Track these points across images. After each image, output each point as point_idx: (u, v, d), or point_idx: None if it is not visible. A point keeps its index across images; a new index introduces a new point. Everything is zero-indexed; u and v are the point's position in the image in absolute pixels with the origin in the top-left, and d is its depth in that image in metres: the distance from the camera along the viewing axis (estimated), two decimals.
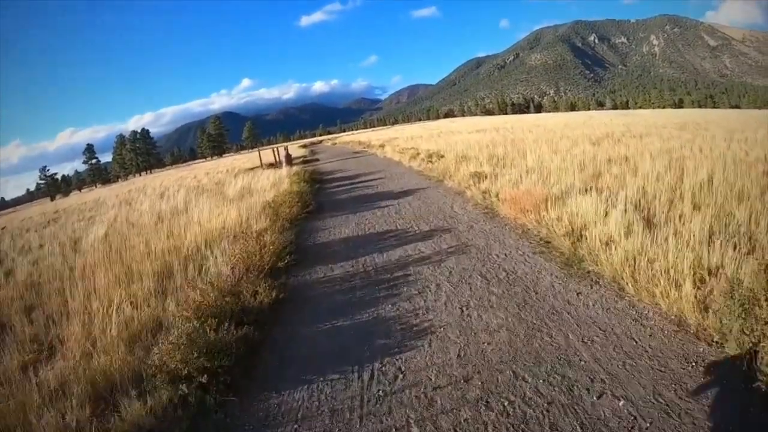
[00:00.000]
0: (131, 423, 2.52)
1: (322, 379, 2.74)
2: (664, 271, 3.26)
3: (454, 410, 2.25)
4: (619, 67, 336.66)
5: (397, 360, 2.77)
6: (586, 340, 2.71)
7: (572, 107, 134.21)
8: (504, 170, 8.17)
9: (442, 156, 12.17)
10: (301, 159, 24.75)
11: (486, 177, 7.72)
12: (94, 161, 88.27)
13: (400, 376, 2.61)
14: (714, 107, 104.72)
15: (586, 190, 5.47)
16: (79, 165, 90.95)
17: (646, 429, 1.98)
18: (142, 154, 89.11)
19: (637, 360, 2.49)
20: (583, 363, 2.50)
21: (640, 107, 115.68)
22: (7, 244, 10.81)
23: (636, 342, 2.67)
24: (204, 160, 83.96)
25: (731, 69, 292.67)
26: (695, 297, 2.96)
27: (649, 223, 4.16)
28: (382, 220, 6.50)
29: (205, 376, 2.81)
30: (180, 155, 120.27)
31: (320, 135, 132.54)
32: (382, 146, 21.23)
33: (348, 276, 4.37)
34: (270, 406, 2.60)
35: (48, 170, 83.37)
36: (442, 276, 3.96)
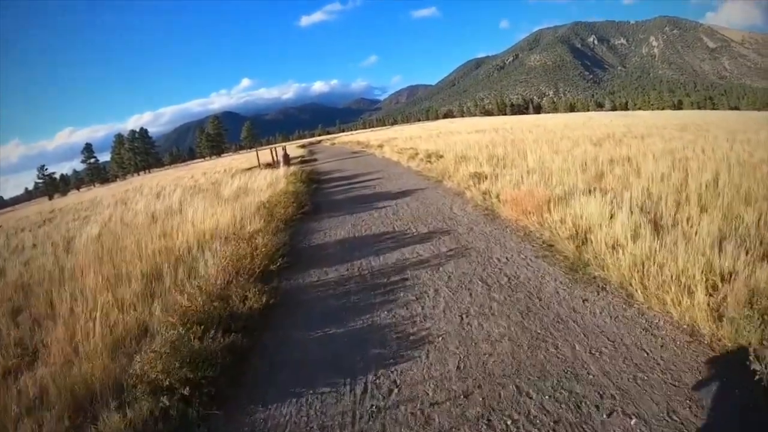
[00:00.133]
0: None
1: (312, 391, 2.56)
2: (675, 277, 3.10)
3: (453, 429, 2.08)
4: (619, 68, 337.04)
5: (392, 372, 2.60)
6: (594, 352, 2.54)
7: (571, 108, 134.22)
8: (504, 171, 8.00)
9: (441, 156, 12.01)
10: (299, 159, 24.61)
11: (486, 177, 7.55)
12: (92, 161, 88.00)
13: (395, 390, 2.43)
14: (713, 109, 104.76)
15: (589, 192, 5.30)
16: (77, 164, 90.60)
17: None
18: (141, 153, 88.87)
19: (649, 373, 2.33)
20: (591, 377, 2.33)
21: (640, 108, 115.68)
22: (1, 243, 10.67)
23: (647, 354, 2.50)
24: (202, 159, 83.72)
25: (730, 71, 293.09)
26: (708, 305, 2.80)
27: (656, 226, 4.00)
28: (379, 222, 6.32)
29: (187, 387, 2.64)
30: (179, 155, 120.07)
31: (319, 135, 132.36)
32: (380, 146, 21.06)
33: (342, 280, 4.19)
34: (256, 421, 2.42)
35: (46, 169, 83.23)
36: (440, 281, 3.78)
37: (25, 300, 4.99)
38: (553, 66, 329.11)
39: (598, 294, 3.20)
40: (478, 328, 2.90)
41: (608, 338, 2.66)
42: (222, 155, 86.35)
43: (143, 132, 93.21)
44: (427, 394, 2.35)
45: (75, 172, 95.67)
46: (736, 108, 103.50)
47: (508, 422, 2.08)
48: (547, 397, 2.22)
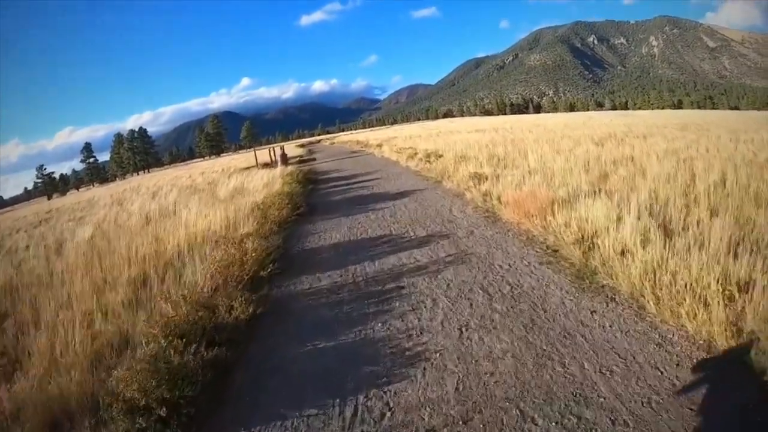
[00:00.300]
0: None
1: (298, 413, 2.36)
2: (688, 287, 2.90)
3: None
4: (618, 68, 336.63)
5: (384, 393, 2.39)
6: (604, 371, 2.34)
7: (571, 108, 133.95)
8: (505, 171, 7.80)
9: (441, 156, 11.80)
10: (298, 159, 24.41)
11: (486, 178, 7.34)
12: (91, 160, 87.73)
13: (388, 414, 2.22)
14: (713, 108, 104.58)
15: (594, 193, 5.09)
16: (77, 164, 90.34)
17: None
18: (140, 153, 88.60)
19: (664, 396, 2.12)
20: (602, 400, 2.13)
21: (640, 108, 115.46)
22: None
23: (661, 373, 2.30)
24: (202, 159, 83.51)
25: (730, 70, 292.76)
26: (726, 317, 2.60)
27: (666, 230, 3.79)
28: (376, 224, 6.11)
29: (165, 408, 2.44)
30: (178, 154, 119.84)
31: (319, 135, 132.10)
32: (379, 146, 20.86)
33: (336, 287, 3.97)
34: None
35: (45, 169, 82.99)
36: (438, 289, 3.56)
37: (12, 305, 4.81)
38: (553, 65, 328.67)
39: (607, 305, 2.99)
40: (479, 343, 2.69)
41: (619, 355, 2.46)
42: (221, 155, 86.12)
43: (142, 132, 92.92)
44: (423, 419, 2.14)
45: (74, 171, 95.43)
46: (736, 107, 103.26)
47: None
48: (554, 423, 2.01)
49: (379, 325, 3.12)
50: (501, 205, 5.71)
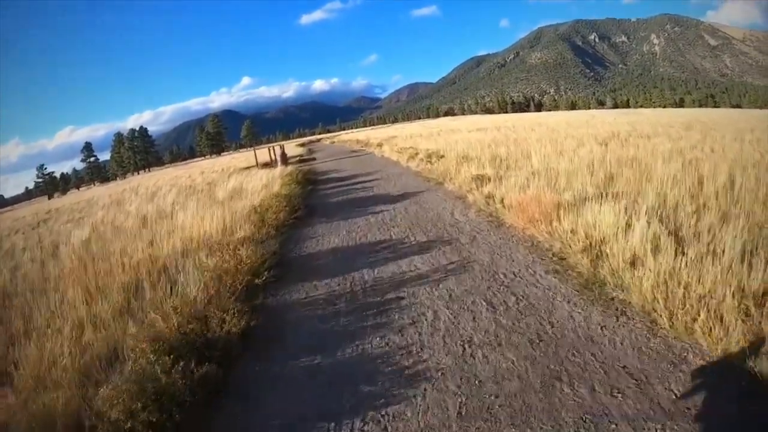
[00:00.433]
0: None
1: None
2: (703, 300, 2.75)
3: None
4: (620, 66, 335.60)
5: (382, 416, 2.24)
6: (616, 393, 2.19)
7: (573, 106, 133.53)
8: (508, 172, 7.63)
9: (442, 156, 11.63)
10: (298, 158, 24.25)
11: (489, 180, 7.18)
12: (92, 160, 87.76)
13: None
14: (715, 107, 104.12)
15: (600, 197, 4.93)
16: (78, 163, 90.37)
17: None
18: (140, 152, 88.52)
19: (681, 423, 1.98)
20: (614, 427, 1.99)
21: (641, 106, 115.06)
22: None
23: (676, 395, 2.15)
24: (203, 158, 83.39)
25: (732, 68, 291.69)
26: (743, 335, 2.46)
27: (676, 238, 3.64)
28: (376, 228, 5.96)
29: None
30: (179, 153, 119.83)
31: (319, 133, 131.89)
32: (380, 145, 20.68)
33: (333, 297, 3.82)
34: None
35: (45, 169, 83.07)
36: (440, 301, 3.41)
37: (5, 312, 4.69)
38: (554, 64, 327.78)
39: (618, 320, 2.84)
40: (483, 361, 2.54)
41: (632, 376, 2.31)
42: (222, 154, 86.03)
43: (143, 131, 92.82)
44: None
45: (75, 171, 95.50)
46: (738, 106, 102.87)
47: None
48: None
49: (378, 339, 2.97)
50: (504, 209, 5.56)
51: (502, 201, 5.83)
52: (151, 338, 3.11)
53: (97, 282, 4.99)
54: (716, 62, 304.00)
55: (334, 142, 46.21)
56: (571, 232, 4.11)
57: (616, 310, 2.96)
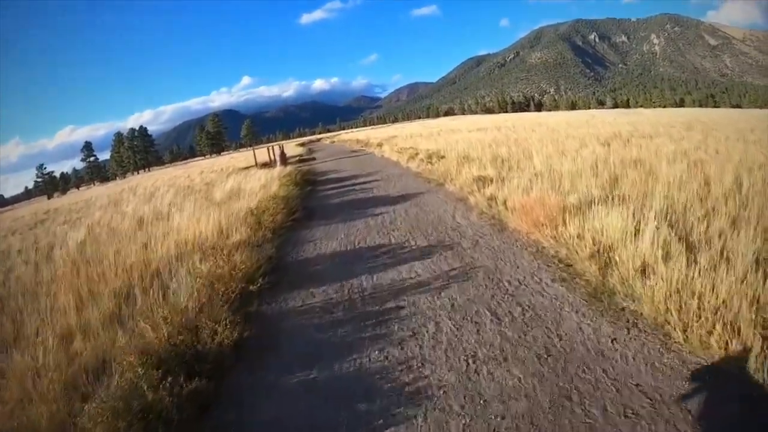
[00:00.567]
0: None
1: None
2: (718, 312, 2.61)
3: None
4: (620, 65, 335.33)
5: None
6: (629, 414, 2.05)
7: (573, 106, 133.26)
8: (510, 173, 7.49)
9: (443, 156, 11.48)
10: (297, 158, 24.10)
11: (491, 181, 7.04)
12: (92, 159, 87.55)
13: None
14: (715, 106, 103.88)
15: (606, 199, 4.78)
16: (78, 163, 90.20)
17: None
18: (140, 152, 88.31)
19: None
20: None
21: (641, 106, 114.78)
22: None
23: (693, 416, 2.02)
24: (203, 158, 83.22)
25: (732, 68, 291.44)
26: (762, 350, 2.32)
27: (687, 244, 3.50)
28: (375, 232, 5.81)
29: None
30: (179, 153, 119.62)
31: (320, 133, 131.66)
32: (380, 145, 20.52)
33: (330, 305, 3.68)
34: None
35: (45, 168, 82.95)
36: (442, 311, 3.26)
37: None
38: (554, 63, 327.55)
39: (629, 332, 2.69)
40: (488, 378, 2.39)
41: (646, 395, 2.17)
42: (222, 153, 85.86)
43: (143, 130, 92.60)
44: None
45: (75, 170, 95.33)
46: (738, 106, 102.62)
47: None
48: None
49: (376, 353, 2.82)
50: (507, 212, 5.41)
51: (504, 203, 5.69)
52: (139, 350, 2.97)
53: (89, 287, 4.88)
54: (716, 62, 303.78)
55: (334, 141, 46.04)
56: (577, 237, 3.97)
57: (627, 321, 2.81)
